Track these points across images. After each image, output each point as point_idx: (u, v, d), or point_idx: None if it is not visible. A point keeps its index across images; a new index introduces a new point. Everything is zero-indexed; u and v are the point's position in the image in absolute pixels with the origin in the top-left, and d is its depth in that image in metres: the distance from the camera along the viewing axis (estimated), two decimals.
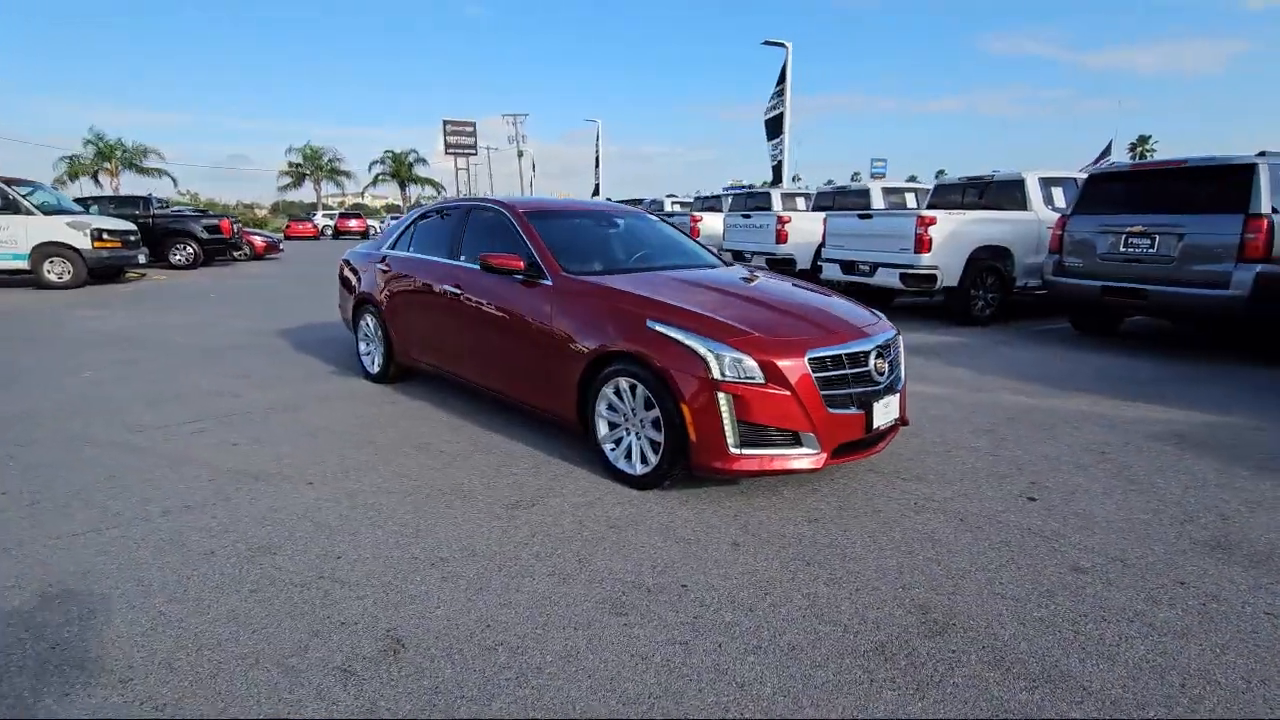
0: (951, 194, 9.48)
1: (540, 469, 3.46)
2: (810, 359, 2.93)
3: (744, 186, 22.88)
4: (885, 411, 3.15)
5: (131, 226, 12.68)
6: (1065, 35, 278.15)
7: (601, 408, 3.31)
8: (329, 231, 39.02)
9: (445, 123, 46.09)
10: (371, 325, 5.17)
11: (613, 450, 3.30)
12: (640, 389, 3.10)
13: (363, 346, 5.35)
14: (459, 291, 4.19)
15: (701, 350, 2.90)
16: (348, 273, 5.62)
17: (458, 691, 1.84)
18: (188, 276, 14.28)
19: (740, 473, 2.93)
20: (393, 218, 31.35)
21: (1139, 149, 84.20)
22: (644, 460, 3.16)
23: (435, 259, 4.56)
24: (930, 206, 9.60)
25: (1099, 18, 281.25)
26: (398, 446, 3.81)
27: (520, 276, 3.79)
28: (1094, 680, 1.88)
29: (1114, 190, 6.69)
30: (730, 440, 2.87)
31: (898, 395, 3.28)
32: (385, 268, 5.00)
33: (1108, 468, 3.47)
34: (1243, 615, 2.20)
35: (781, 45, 19.55)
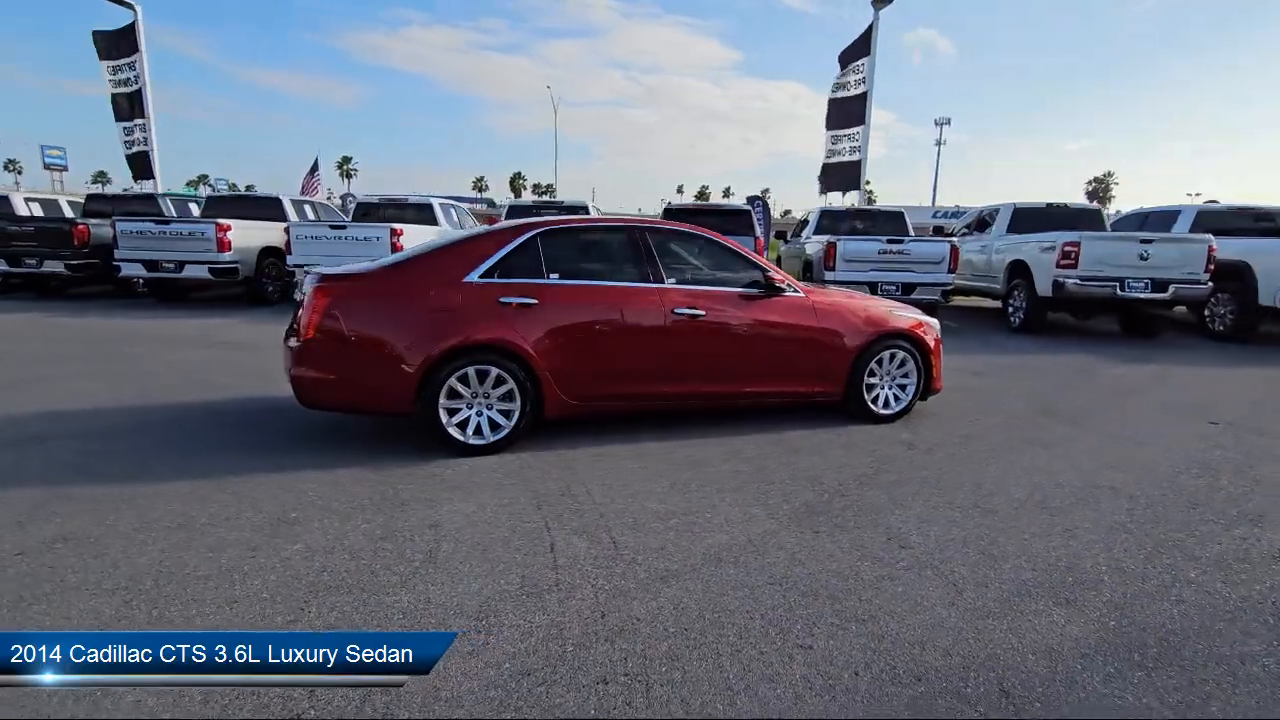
0: (522, 214, 11.58)
1: (852, 437, 4.56)
2: None
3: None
4: None
5: None
6: (223, 47, 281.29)
7: (866, 376, 4.79)
8: None
9: None
10: (477, 381, 3.92)
11: (873, 404, 4.85)
12: (899, 355, 4.85)
13: (446, 416, 3.88)
14: (700, 313, 4.30)
15: (930, 322, 5.01)
16: (382, 324, 3.85)
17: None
18: None
19: (940, 389, 5.18)
20: None
21: (344, 167, 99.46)
22: (896, 400, 4.92)
23: (632, 284, 4.29)
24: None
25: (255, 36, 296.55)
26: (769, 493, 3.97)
27: (758, 291, 4.57)
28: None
29: (684, 219, 10.64)
30: (939, 371, 5.10)
31: None
32: (529, 300, 3.96)
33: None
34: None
35: (129, 6, 15.54)
